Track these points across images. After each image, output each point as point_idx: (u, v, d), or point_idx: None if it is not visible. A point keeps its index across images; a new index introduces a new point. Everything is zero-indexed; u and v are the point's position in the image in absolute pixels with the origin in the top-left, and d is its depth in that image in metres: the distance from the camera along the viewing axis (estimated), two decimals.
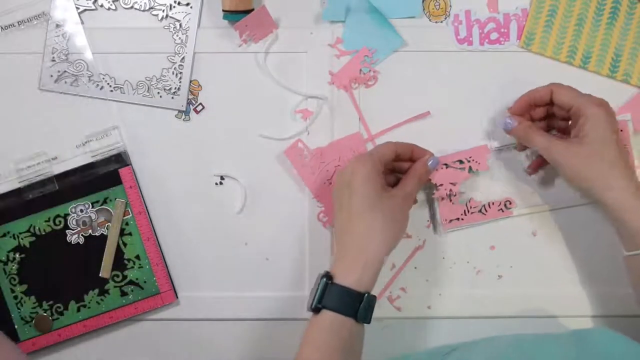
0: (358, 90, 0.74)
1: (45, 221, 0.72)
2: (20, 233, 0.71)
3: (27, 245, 0.71)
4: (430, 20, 0.75)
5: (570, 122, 0.68)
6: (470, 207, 0.74)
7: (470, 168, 0.72)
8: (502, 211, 0.74)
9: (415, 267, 0.74)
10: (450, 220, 0.73)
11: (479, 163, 0.72)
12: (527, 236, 0.74)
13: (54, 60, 0.73)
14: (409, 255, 0.74)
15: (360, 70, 0.74)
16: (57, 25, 0.73)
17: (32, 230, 0.72)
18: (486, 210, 0.74)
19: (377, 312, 0.63)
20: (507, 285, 0.74)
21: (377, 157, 0.66)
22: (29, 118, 0.73)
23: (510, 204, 0.74)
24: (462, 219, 0.73)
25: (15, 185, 0.72)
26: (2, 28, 0.73)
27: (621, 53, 0.74)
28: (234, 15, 0.71)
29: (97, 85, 0.73)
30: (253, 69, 0.74)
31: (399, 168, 0.70)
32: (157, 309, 0.73)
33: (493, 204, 0.74)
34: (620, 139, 0.65)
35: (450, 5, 0.74)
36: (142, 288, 0.72)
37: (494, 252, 0.74)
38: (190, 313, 0.74)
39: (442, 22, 0.75)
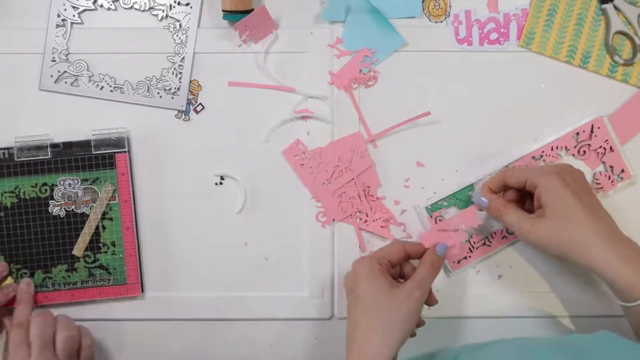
0: (358, 90, 0.74)
1: (32, 186, 0.72)
2: (4, 192, 0.72)
3: (9, 205, 0.72)
4: (430, 20, 0.75)
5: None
6: (474, 243, 0.73)
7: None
8: (506, 237, 0.73)
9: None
10: (459, 261, 0.73)
11: (472, 221, 0.70)
12: None
13: (54, 60, 0.73)
14: None
15: (360, 70, 0.74)
16: (57, 25, 0.73)
17: (17, 191, 0.72)
18: (490, 242, 0.73)
19: None
20: (507, 285, 0.74)
21: (379, 256, 0.66)
22: (29, 118, 0.73)
23: None
24: (470, 257, 0.73)
25: (11, 144, 0.72)
26: (2, 28, 0.73)
27: None
28: (234, 15, 0.71)
29: (97, 85, 0.73)
30: (253, 69, 0.74)
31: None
32: (121, 298, 0.73)
33: (495, 233, 0.73)
34: (590, 196, 0.64)
35: (450, 5, 0.74)
36: (110, 274, 0.73)
37: (494, 252, 0.74)
38: (190, 313, 0.74)
39: (442, 22, 0.75)
